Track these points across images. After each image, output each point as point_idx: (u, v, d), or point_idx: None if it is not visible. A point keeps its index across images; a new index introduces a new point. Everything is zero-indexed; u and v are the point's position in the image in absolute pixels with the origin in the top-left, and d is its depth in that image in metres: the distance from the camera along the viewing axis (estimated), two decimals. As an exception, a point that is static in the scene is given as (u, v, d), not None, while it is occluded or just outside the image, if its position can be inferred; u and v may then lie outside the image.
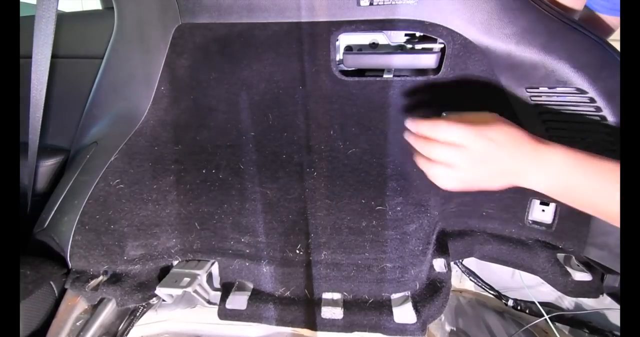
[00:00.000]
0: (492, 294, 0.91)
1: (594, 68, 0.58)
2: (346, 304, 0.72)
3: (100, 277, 0.73)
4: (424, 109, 0.73)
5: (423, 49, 0.69)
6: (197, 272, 0.76)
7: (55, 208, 0.77)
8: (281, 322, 0.74)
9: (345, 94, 0.74)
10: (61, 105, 0.86)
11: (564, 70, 0.59)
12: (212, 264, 0.80)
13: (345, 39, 0.72)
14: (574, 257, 0.73)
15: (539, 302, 0.80)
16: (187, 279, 0.74)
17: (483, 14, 0.61)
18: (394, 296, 0.73)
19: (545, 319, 0.77)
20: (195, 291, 0.76)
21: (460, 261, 0.92)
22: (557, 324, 0.79)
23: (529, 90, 0.64)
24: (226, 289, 0.77)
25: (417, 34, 0.68)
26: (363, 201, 0.76)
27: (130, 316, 0.80)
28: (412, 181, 0.77)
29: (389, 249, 0.74)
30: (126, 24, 0.76)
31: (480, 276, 0.93)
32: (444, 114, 0.55)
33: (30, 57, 0.70)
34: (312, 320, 0.72)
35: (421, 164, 0.53)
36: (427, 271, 0.75)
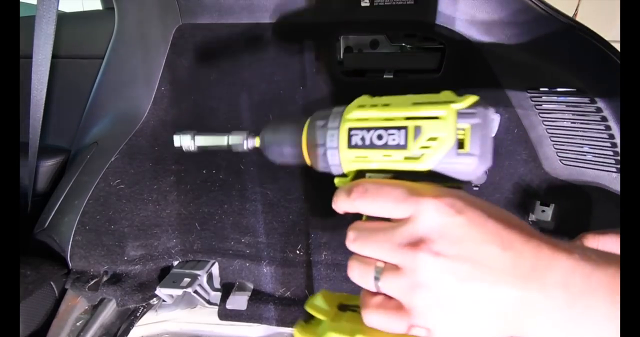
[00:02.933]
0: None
1: (594, 68, 0.58)
2: (346, 305, 0.72)
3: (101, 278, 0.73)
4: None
5: (423, 49, 0.69)
6: (198, 272, 0.76)
7: (56, 208, 0.77)
8: (281, 322, 0.74)
9: (345, 95, 0.74)
10: (61, 105, 0.86)
11: (565, 70, 0.59)
12: (213, 264, 0.80)
13: (345, 39, 0.72)
14: (574, 258, 0.73)
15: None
16: (187, 280, 0.74)
17: (483, 14, 0.61)
18: (394, 297, 0.73)
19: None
20: (196, 292, 0.76)
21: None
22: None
23: (529, 90, 0.64)
24: (226, 290, 0.77)
25: (417, 34, 0.68)
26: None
27: (130, 316, 0.79)
28: (413, 181, 0.77)
29: (389, 250, 0.74)
30: (127, 25, 0.76)
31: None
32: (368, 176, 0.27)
33: (30, 57, 0.70)
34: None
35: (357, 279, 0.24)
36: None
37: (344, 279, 0.74)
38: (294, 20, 0.67)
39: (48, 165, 0.84)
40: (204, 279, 0.77)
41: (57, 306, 0.72)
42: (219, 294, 0.79)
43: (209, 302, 0.82)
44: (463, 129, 0.22)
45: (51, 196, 0.80)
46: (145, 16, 0.73)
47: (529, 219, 0.78)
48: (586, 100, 0.60)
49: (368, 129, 0.25)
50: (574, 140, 0.65)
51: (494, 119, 0.24)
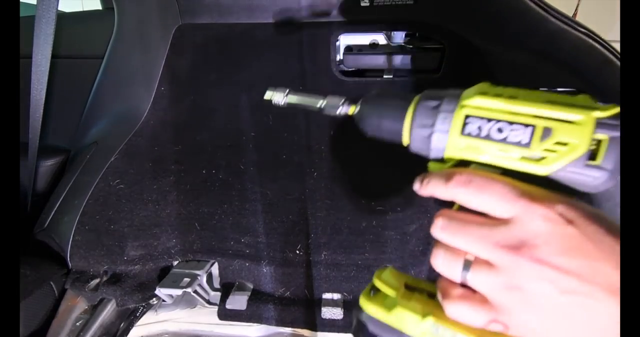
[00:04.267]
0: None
1: (593, 69, 0.58)
2: (346, 305, 0.72)
3: (101, 278, 0.73)
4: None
5: (423, 49, 0.69)
6: (197, 272, 0.76)
7: (56, 208, 0.77)
8: (281, 322, 0.74)
9: (345, 94, 0.74)
10: (61, 105, 0.86)
11: (564, 70, 0.59)
12: (212, 264, 0.80)
13: (345, 39, 0.72)
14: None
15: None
16: (187, 280, 0.74)
17: (483, 14, 0.61)
18: (394, 297, 0.73)
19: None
20: (195, 291, 0.76)
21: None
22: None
23: (529, 90, 0.64)
24: (226, 290, 0.77)
25: (417, 34, 0.68)
26: (363, 201, 0.76)
27: (130, 316, 0.79)
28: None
29: (389, 250, 0.74)
30: (126, 25, 0.76)
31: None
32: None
33: (30, 57, 0.70)
34: (312, 320, 0.72)
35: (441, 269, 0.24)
36: (427, 271, 0.75)
37: (343, 279, 0.74)
38: (294, 20, 0.67)
39: (48, 165, 0.84)
40: (203, 279, 0.77)
41: (57, 306, 0.72)
42: (218, 294, 0.79)
43: (208, 302, 0.82)
44: (598, 140, 0.21)
45: (51, 195, 0.80)
46: (145, 16, 0.73)
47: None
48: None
49: (488, 119, 0.23)
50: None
51: None
